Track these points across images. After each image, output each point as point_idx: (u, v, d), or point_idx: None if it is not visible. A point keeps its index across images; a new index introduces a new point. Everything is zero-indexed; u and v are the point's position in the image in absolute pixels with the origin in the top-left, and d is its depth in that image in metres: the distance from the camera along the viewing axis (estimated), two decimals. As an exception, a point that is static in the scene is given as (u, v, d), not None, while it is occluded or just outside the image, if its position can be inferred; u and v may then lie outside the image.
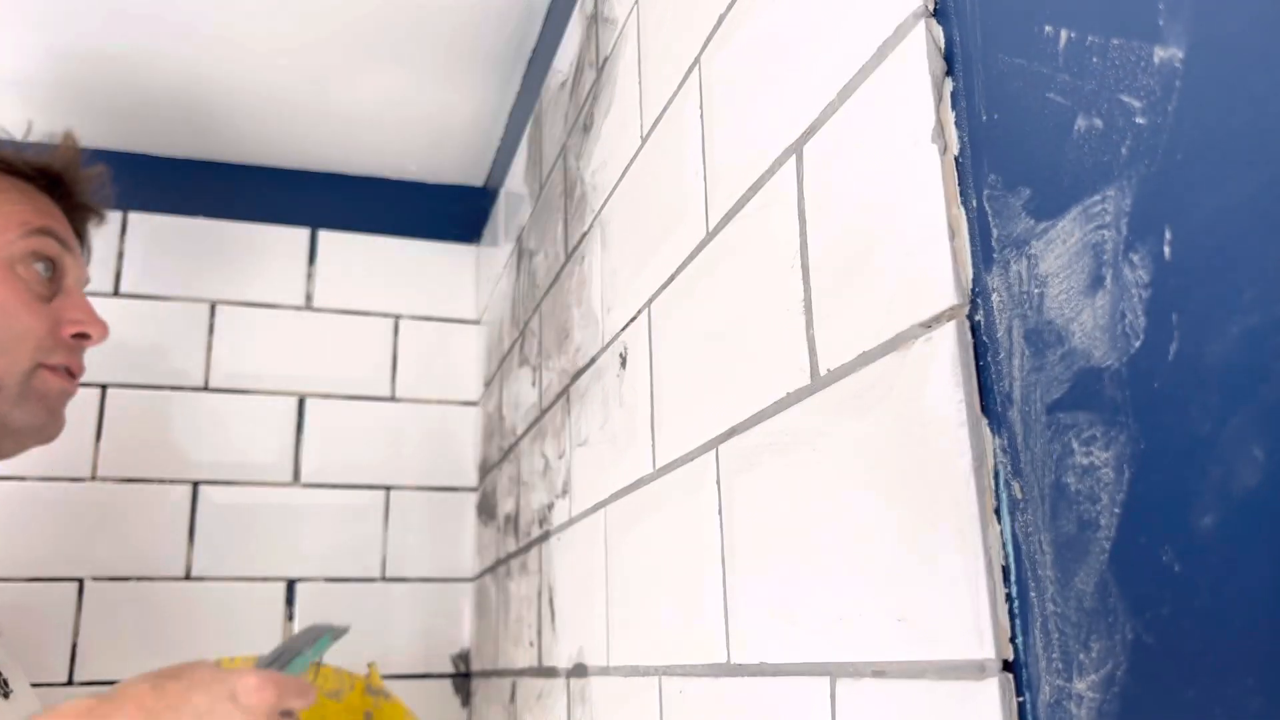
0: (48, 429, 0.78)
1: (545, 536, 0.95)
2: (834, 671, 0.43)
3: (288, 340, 1.34)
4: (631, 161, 0.75)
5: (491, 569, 1.21)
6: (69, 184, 0.86)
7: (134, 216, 1.31)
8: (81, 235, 0.88)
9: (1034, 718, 0.33)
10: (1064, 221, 0.33)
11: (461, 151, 1.36)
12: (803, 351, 0.47)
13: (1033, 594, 0.33)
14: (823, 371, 0.46)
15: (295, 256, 1.37)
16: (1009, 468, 0.35)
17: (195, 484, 1.26)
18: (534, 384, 1.04)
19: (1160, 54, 0.29)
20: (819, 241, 0.47)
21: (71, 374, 0.79)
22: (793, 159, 0.50)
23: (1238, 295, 0.26)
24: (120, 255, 1.30)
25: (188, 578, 1.23)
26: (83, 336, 0.80)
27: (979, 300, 0.37)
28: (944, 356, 0.37)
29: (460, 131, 1.31)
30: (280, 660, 0.72)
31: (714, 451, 0.57)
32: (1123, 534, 0.29)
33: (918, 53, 0.40)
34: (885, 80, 0.42)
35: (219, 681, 0.62)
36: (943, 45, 0.39)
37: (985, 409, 0.36)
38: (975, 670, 0.34)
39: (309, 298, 1.36)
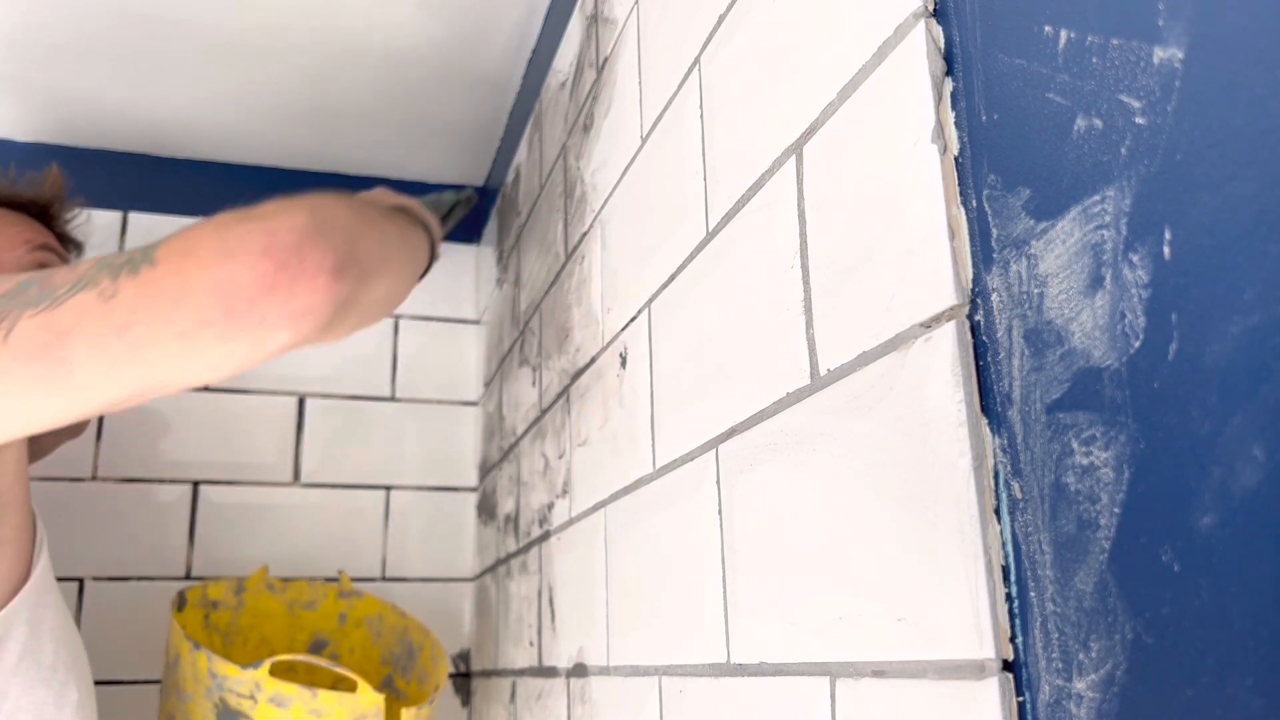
0: (78, 424, 0.89)
1: (545, 536, 0.95)
2: (834, 671, 0.43)
3: (288, 340, 1.34)
4: (631, 161, 0.75)
5: (491, 569, 1.21)
6: (55, 214, 1.01)
7: (134, 216, 1.31)
8: (65, 259, 1.03)
9: (1034, 717, 0.33)
10: (1064, 222, 0.33)
11: (461, 151, 1.36)
12: (803, 351, 0.47)
13: (1032, 594, 0.33)
14: (823, 371, 0.46)
15: (295, 256, 1.37)
16: (1009, 467, 0.35)
17: (195, 484, 1.26)
18: (534, 384, 1.04)
19: (1160, 54, 0.29)
20: (819, 241, 0.47)
21: None
22: (793, 159, 0.50)
23: (1238, 295, 0.26)
24: (120, 255, 1.30)
25: (188, 577, 1.23)
26: None
27: (979, 300, 0.37)
28: (944, 356, 0.37)
29: (460, 131, 1.31)
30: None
31: (714, 451, 0.57)
32: (1122, 534, 0.29)
33: (918, 53, 0.40)
34: (885, 80, 0.42)
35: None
36: (943, 45, 0.39)
37: (985, 409, 0.36)
38: (975, 670, 0.35)
39: (309, 298, 1.36)
